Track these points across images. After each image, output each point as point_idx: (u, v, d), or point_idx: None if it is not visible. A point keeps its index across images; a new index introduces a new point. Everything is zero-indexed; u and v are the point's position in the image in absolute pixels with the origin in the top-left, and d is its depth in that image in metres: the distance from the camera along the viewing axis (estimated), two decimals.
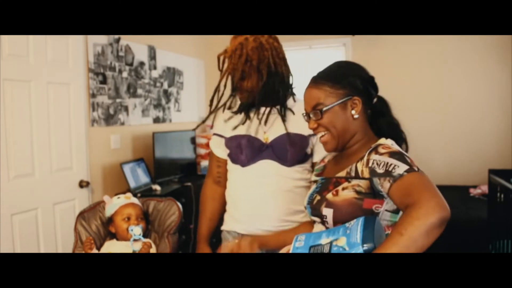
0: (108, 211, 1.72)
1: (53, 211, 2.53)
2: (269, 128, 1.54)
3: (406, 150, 1.19)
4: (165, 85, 3.73)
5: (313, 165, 1.56)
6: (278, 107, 1.55)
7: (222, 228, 1.68)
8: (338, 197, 1.10)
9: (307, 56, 4.27)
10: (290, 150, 1.50)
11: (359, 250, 0.91)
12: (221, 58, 1.55)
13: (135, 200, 1.76)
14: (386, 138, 1.15)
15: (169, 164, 3.49)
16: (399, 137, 1.20)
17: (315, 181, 1.25)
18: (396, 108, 1.25)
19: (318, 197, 1.15)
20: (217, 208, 1.70)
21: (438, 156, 4.02)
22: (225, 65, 1.53)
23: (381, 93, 1.23)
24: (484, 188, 3.51)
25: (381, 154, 1.05)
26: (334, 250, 0.94)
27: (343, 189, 1.10)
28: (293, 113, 1.54)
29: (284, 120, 1.53)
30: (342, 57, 4.19)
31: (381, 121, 1.20)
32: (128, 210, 1.68)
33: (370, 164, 1.06)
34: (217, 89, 1.56)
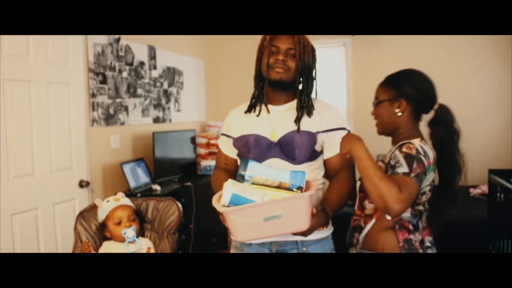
0: (100, 217, 1.70)
1: (53, 211, 2.53)
2: (276, 126, 1.52)
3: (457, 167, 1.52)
4: (165, 85, 3.74)
5: (324, 162, 1.55)
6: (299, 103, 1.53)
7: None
8: None
9: None
10: (298, 148, 1.48)
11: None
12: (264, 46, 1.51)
13: (124, 201, 1.72)
14: (421, 139, 1.43)
15: (169, 164, 3.49)
16: (451, 152, 1.46)
17: None
18: None
19: None
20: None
21: None
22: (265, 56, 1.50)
23: None
24: (484, 188, 3.51)
25: (401, 151, 1.37)
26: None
27: None
28: (312, 109, 1.53)
29: (299, 117, 1.51)
30: (342, 57, 4.19)
31: (440, 129, 1.46)
32: (119, 213, 1.66)
33: (391, 155, 1.40)
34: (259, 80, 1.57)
